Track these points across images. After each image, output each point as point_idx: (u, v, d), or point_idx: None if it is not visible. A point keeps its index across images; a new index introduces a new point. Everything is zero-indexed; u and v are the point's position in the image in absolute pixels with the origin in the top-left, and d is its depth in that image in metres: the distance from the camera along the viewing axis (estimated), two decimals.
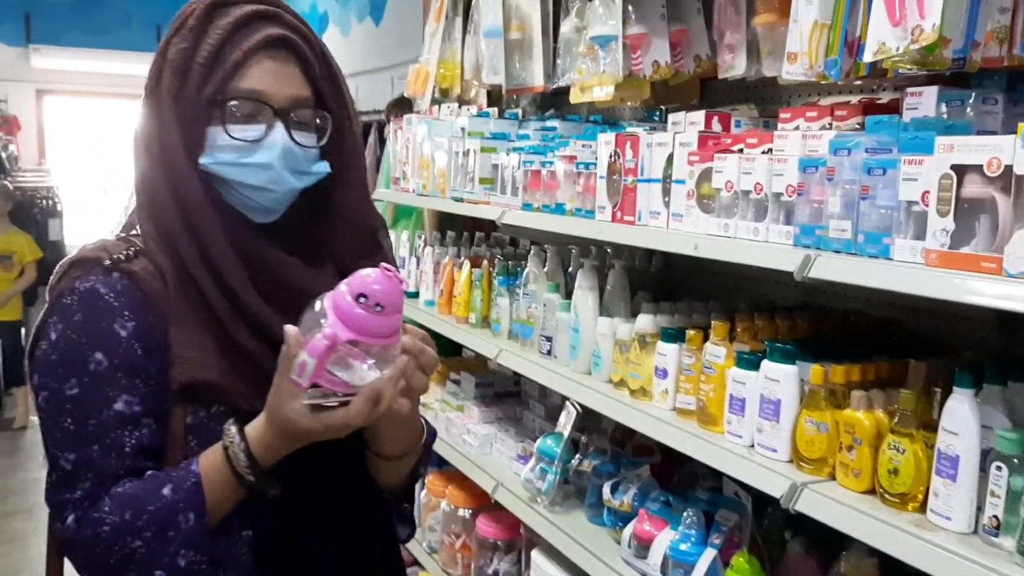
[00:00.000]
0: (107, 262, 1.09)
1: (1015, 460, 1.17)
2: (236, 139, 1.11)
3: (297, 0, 10.83)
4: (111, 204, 12.79)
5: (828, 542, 1.69)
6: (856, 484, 1.39)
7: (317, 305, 0.99)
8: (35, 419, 4.43)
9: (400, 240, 3.33)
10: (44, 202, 6.49)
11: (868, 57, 1.36)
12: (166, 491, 1.04)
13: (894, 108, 1.55)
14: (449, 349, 3.10)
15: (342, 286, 0.98)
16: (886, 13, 1.31)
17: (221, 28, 1.12)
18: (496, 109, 2.87)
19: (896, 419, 1.35)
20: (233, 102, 1.11)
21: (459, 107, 2.95)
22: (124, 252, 1.11)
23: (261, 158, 1.12)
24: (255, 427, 1.07)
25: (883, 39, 1.32)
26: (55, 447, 1.05)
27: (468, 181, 2.59)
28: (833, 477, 1.44)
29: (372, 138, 7.16)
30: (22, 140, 11.03)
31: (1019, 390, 1.33)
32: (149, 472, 1.07)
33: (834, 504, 1.36)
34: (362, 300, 0.95)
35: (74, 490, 1.03)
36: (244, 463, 1.05)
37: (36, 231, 6.03)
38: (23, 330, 6.01)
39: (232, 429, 1.07)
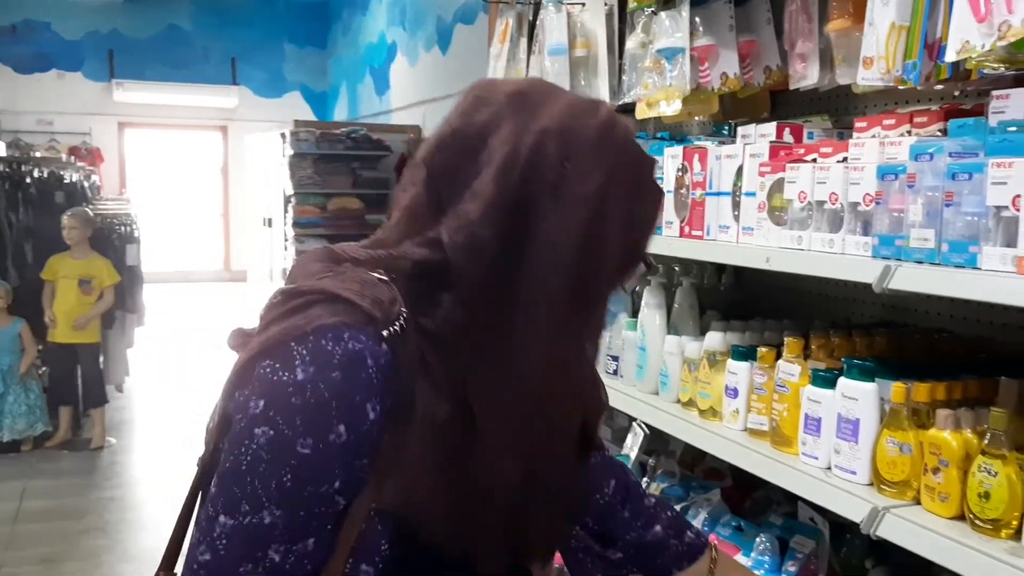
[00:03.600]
0: (384, 332, 0.93)
1: None
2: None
3: (367, 32, 11.10)
4: (186, 231, 13.20)
5: (913, 572, 1.60)
6: (943, 509, 1.31)
7: None
8: (112, 440, 4.51)
9: None
10: (123, 228, 6.69)
11: (951, 57, 1.30)
12: None
13: (978, 113, 1.47)
14: None
15: None
16: (970, 10, 1.25)
17: (653, 193, 1.05)
18: None
19: (987, 440, 1.26)
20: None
21: None
22: (398, 322, 0.95)
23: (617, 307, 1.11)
24: None
25: (967, 37, 1.26)
26: (262, 491, 0.90)
27: None
28: (918, 501, 1.36)
29: None
30: (104, 170, 11.48)
31: None
32: None
33: (919, 530, 1.28)
34: None
35: (266, 548, 0.91)
36: None
37: (114, 256, 6.22)
38: (101, 354, 6.18)
39: None
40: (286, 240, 8.44)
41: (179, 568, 0.95)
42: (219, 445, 0.96)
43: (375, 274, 0.97)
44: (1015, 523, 1.22)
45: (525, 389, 0.96)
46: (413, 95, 9.30)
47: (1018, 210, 1.16)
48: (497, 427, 0.96)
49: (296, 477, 0.90)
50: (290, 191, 8.32)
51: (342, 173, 8.43)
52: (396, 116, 9.86)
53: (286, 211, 8.41)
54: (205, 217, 13.48)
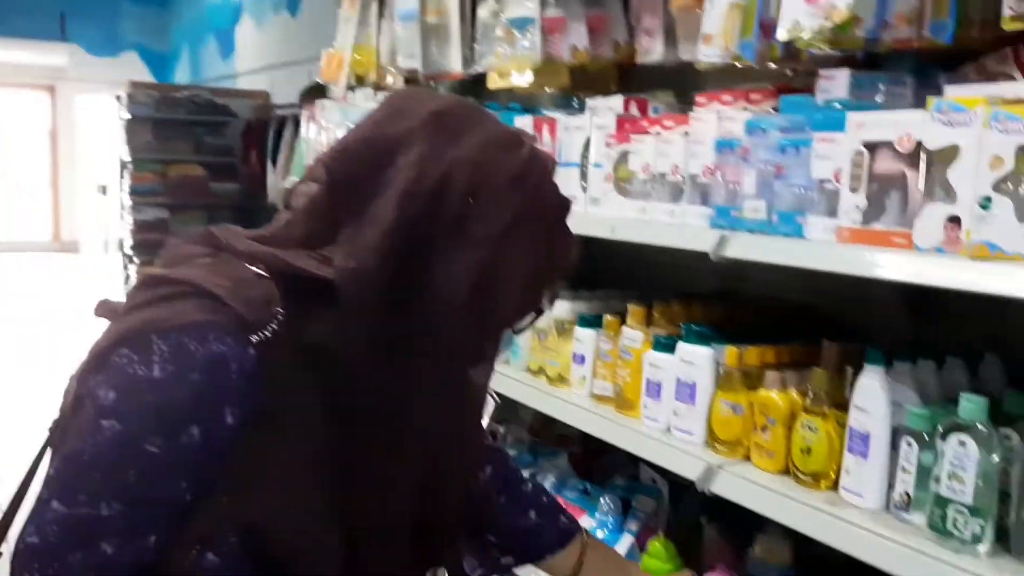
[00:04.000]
0: (253, 336, 0.89)
1: (925, 436, 1.18)
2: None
3: None
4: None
5: (744, 526, 1.70)
6: (770, 464, 1.39)
7: None
8: None
9: None
10: None
11: (781, 36, 1.36)
12: None
13: (809, 92, 1.55)
14: None
15: None
16: None
17: (563, 241, 1.03)
18: None
19: (809, 399, 1.35)
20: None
21: (375, 93, 2.89)
22: (272, 325, 0.90)
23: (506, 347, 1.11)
24: None
25: (797, 18, 1.32)
26: (102, 485, 0.85)
27: None
28: (748, 458, 1.44)
29: (288, 132, 7.02)
30: None
31: (928, 368, 1.34)
32: None
33: (748, 485, 1.36)
34: None
35: (99, 540, 0.85)
36: None
37: None
38: None
39: None
40: (123, 209, 7.96)
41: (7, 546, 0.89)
42: (66, 424, 0.92)
43: (254, 268, 0.93)
44: (833, 475, 1.31)
45: (413, 434, 0.94)
46: (261, 59, 8.92)
47: (839, 183, 1.24)
48: (387, 464, 0.94)
49: (141, 475, 0.86)
50: (127, 157, 7.84)
51: (184, 139, 8.01)
52: (242, 81, 9.44)
53: (122, 178, 7.92)
54: (31, 183, 12.51)
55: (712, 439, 1.48)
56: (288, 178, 4.79)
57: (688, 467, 1.45)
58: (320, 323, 0.91)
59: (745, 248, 1.36)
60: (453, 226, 0.91)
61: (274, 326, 0.90)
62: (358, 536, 0.96)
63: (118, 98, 8.03)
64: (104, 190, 8.64)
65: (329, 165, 0.96)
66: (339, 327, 0.90)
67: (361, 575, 0.97)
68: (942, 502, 1.11)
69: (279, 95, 7.93)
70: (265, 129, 7.68)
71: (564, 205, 1.03)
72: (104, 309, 0.96)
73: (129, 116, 7.88)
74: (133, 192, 7.83)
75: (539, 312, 1.07)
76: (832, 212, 1.25)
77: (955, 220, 1.07)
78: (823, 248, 1.25)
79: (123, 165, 7.94)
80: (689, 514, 1.84)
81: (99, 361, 0.89)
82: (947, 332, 1.55)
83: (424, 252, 0.91)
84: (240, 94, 8.64)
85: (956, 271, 1.05)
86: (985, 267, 1.03)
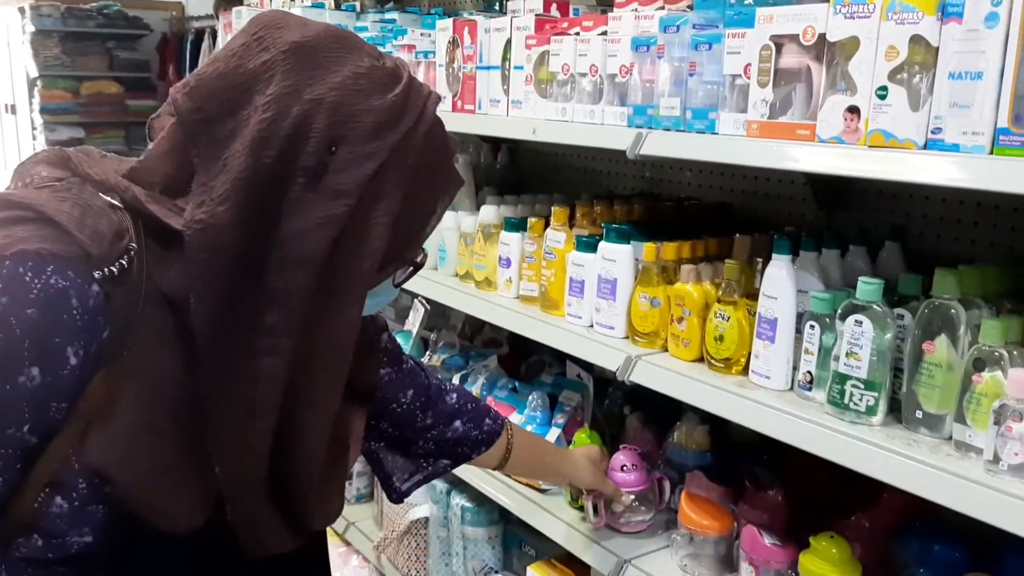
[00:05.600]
0: (96, 273, 0.81)
1: (827, 319, 1.25)
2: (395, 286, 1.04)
3: None
4: None
5: (665, 416, 1.78)
6: (686, 353, 1.46)
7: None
8: None
9: None
10: None
11: None
12: None
13: None
14: None
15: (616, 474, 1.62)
16: None
17: (441, 187, 0.97)
18: (333, 1, 2.74)
19: (722, 289, 1.41)
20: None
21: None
22: (122, 260, 0.83)
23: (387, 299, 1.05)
24: None
25: None
26: None
27: None
28: (666, 349, 1.50)
29: (207, 44, 6.77)
30: None
31: (832, 256, 1.42)
32: None
33: (665, 372, 1.42)
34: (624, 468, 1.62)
35: None
36: None
37: None
38: None
39: None
40: (34, 129, 7.62)
41: None
42: None
43: (108, 198, 0.85)
44: (743, 360, 1.38)
45: (264, 394, 0.87)
46: None
47: (748, 77, 1.27)
48: (234, 427, 0.88)
49: None
50: (34, 73, 7.46)
51: (95, 53, 7.64)
52: None
53: (32, 96, 7.56)
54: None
55: (632, 332, 1.54)
56: None
57: (610, 359, 1.51)
58: (171, 272, 0.85)
59: (660, 145, 1.39)
60: (309, 179, 0.83)
61: (123, 262, 0.83)
62: (220, 493, 0.90)
63: (21, 10, 7.60)
64: (12, 109, 8.23)
65: (179, 103, 0.86)
66: (188, 278, 0.84)
67: (228, 534, 0.92)
68: (840, 378, 1.19)
69: (194, 6, 7.61)
70: (182, 42, 7.39)
71: (445, 150, 0.96)
72: None
73: (34, 29, 7.48)
74: (44, 111, 7.49)
75: (416, 266, 1.01)
76: (743, 108, 1.29)
77: (854, 110, 1.11)
78: (733, 142, 1.29)
79: (31, 82, 7.57)
80: (613, 406, 1.92)
81: None
82: (856, 224, 1.62)
83: (278, 204, 0.83)
84: (153, 5, 8.24)
85: (852, 160, 1.10)
86: (880, 155, 1.08)
